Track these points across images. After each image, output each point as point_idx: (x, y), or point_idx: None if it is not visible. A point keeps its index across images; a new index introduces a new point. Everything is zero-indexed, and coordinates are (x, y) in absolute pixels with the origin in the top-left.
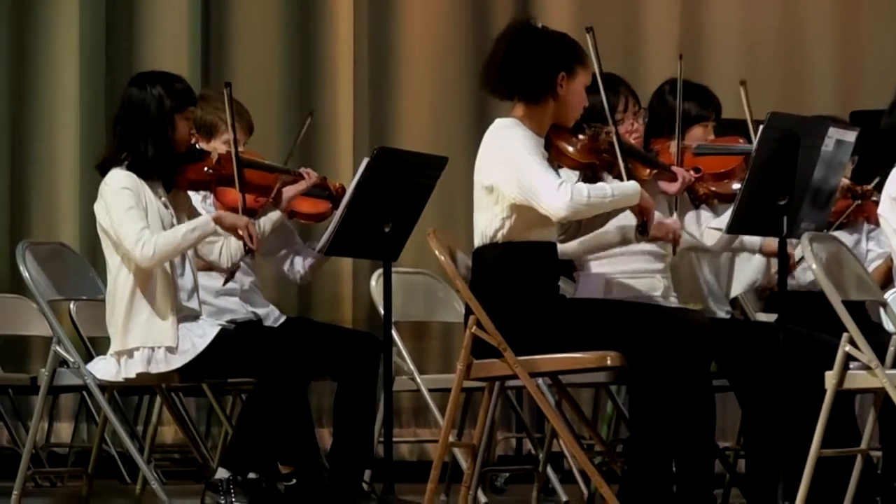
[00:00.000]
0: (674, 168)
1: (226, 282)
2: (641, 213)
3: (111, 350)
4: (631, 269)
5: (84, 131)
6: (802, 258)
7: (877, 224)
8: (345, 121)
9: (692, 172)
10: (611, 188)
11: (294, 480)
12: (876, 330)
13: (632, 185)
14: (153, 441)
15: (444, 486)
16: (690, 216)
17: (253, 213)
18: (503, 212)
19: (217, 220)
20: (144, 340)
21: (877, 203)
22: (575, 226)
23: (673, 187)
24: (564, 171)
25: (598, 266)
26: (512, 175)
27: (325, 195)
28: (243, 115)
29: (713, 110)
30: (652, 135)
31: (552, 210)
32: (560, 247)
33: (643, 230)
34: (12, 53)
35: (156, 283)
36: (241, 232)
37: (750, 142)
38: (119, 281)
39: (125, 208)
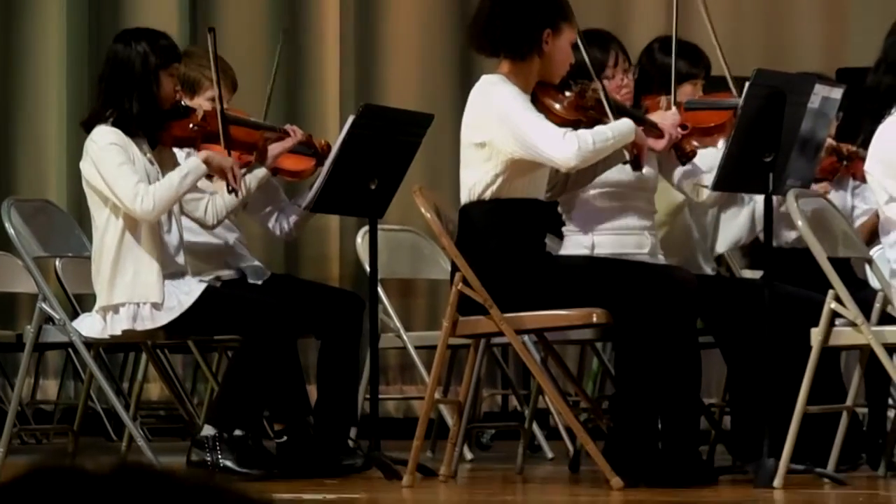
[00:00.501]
0: (661, 124)
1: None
2: (634, 147)
3: (97, 306)
4: (617, 225)
5: (69, 88)
6: None
7: (863, 181)
8: (331, 78)
9: (679, 129)
10: (609, 129)
11: (285, 437)
12: (861, 286)
13: (626, 123)
14: (139, 398)
15: (431, 443)
16: (680, 171)
17: (235, 191)
18: (496, 167)
19: (206, 161)
20: (130, 296)
21: (863, 160)
22: (562, 183)
23: (660, 144)
24: None
25: (585, 223)
26: (509, 131)
27: (310, 153)
28: (227, 71)
29: (703, 68)
30: (642, 91)
31: (561, 160)
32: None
33: (636, 165)
34: None
35: (142, 239)
36: (227, 173)
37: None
38: (106, 237)
39: (116, 164)
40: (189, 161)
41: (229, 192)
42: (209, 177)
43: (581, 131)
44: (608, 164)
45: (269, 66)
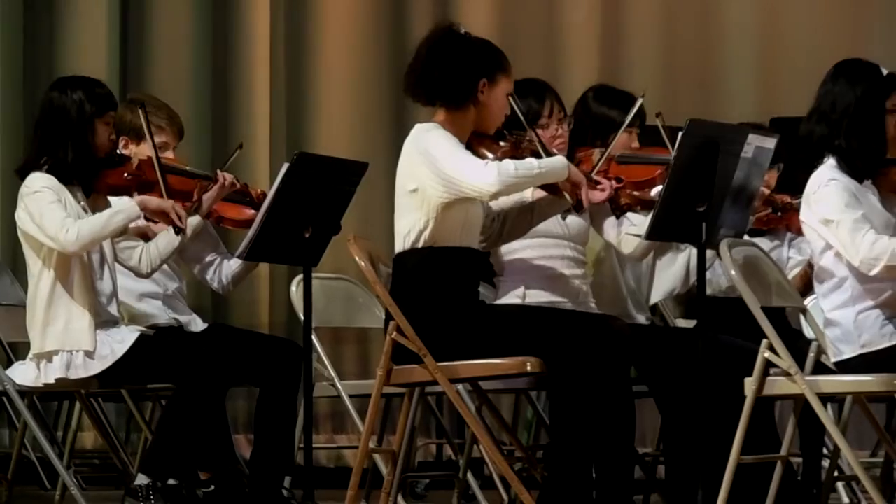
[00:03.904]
0: (597, 177)
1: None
2: (574, 188)
3: (30, 353)
4: (549, 274)
5: (4, 136)
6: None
7: (798, 233)
8: (261, 127)
9: (614, 182)
10: (537, 162)
11: (212, 486)
12: (796, 336)
13: (559, 159)
14: (73, 446)
15: (364, 493)
16: (609, 222)
17: (181, 233)
18: (427, 214)
19: (141, 204)
20: (62, 344)
21: (797, 212)
22: (497, 233)
23: (600, 196)
24: None
25: (517, 272)
26: (433, 172)
27: (246, 201)
28: (174, 118)
29: (637, 117)
30: (576, 143)
31: (482, 187)
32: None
33: (579, 206)
34: None
35: (74, 287)
36: (169, 214)
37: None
38: (40, 285)
39: (47, 202)
40: (122, 200)
41: (176, 232)
42: (153, 221)
43: (504, 160)
44: (544, 215)
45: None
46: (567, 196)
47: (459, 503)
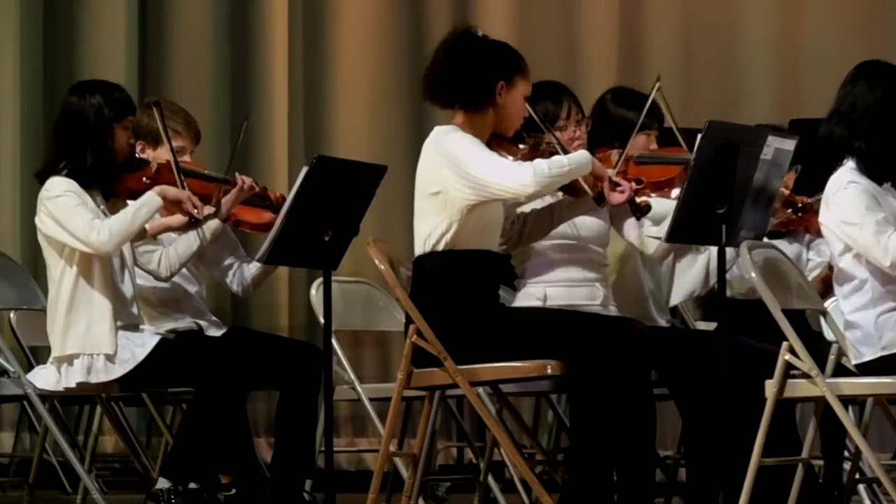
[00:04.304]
0: (616, 179)
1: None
2: (596, 181)
3: (51, 357)
4: (569, 277)
5: (23, 141)
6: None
7: (817, 234)
8: (279, 130)
9: (633, 184)
10: (566, 158)
11: (233, 490)
12: (816, 339)
13: (583, 154)
14: (94, 451)
15: (385, 496)
16: (630, 223)
17: (197, 223)
18: (451, 216)
19: (161, 193)
20: (83, 347)
21: (817, 213)
22: (517, 235)
23: (619, 197)
24: None
25: (537, 274)
26: (460, 175)
27: (265, 205)
28: (190, 123)
29: (655, 119)
30: (595, 143)
31: (518, 188)
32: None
33: (601, 199)
34: None
35: (95, 289)
36: (185, 204)
37: (691, 151)
38: (61, 288)
39: (72, 206)
40: (144, 195)
41: (191, 222)
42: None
43: (535, 160)
44: (564, 217)
45: (217, 118)
46: (588, 190)
47: None
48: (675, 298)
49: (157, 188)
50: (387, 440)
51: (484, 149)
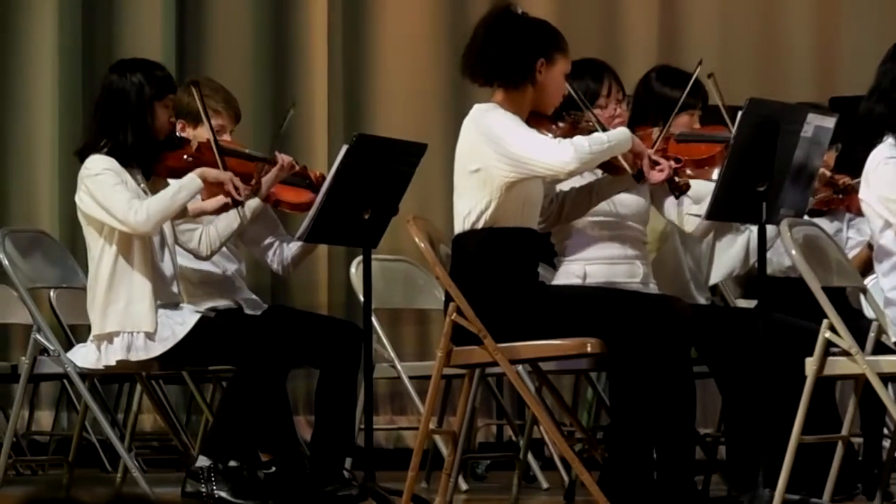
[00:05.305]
0: (655, 157)
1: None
2: (636, 158)
3: (91, 335)
4: (609, 254)
5: (63, 118)
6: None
7: (858, 213)
8: (319, 109)
9: (672, 162)
10: (606, 135)
11: (273, 468)
12: (857, 316)
13: (622, 130)
14: (134, 429)
15: (425, 474)
16: (670, 201)
17: (237, 204)
18: (490, 194)
19: (201, 175)
20: (122, 325)
21: (857, 192)
22: (556, 213)
23: (658, 176)
24: None
25: (577, 252)
26: (500, 152)
27: (305, 184)
28: (230, 102)
29: (699, 98)
30: (636, 122)
31: (559, 166)
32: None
33: (640, 176)
34: None
35: (135, 267)
36: (226, 185)
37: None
38: (101, 266)
39: (111, 185)
40: (185, 177)
41: (233, 204)
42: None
43: (575, 137)
44: (603, 195)
45: (256, 98)
46: (628, 167)
47: (520, 484)
48: (715, 277)
49: (197, 170)
50: (426, 418)
51: (524, 126)
